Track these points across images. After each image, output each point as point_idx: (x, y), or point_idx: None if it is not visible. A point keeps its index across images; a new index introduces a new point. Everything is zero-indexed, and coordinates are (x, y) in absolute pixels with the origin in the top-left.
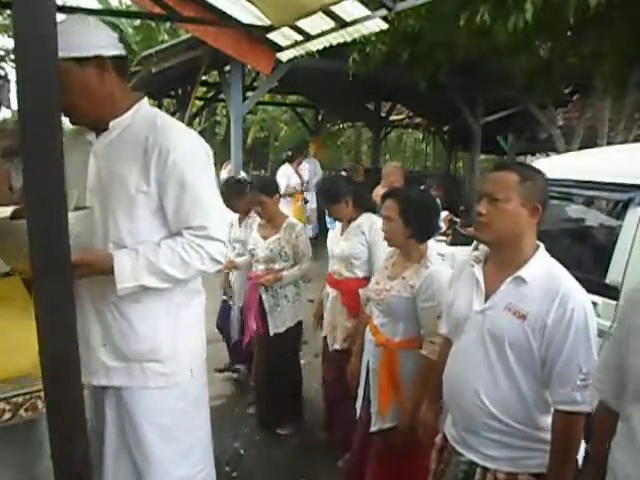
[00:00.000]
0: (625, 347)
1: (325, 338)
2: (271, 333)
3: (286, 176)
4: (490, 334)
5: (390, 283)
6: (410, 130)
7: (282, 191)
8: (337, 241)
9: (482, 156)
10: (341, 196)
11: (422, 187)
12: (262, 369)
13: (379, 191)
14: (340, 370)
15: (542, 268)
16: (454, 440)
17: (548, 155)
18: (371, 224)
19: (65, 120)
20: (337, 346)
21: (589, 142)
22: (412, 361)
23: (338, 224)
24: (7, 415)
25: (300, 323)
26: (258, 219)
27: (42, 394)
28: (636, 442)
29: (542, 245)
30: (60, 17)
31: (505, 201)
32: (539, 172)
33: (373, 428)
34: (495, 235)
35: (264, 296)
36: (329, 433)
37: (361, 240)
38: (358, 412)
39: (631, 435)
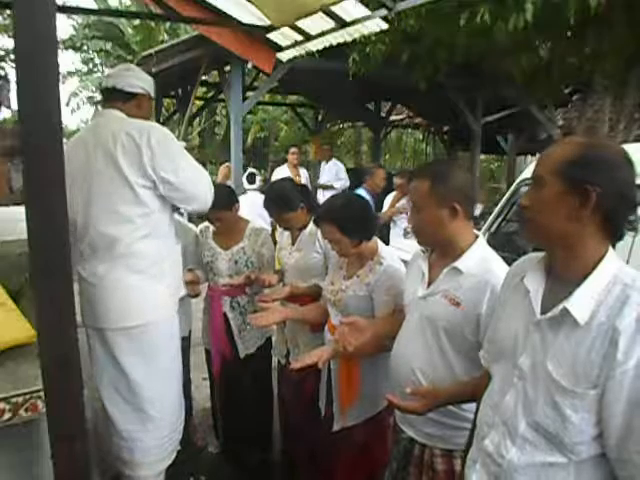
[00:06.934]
0: (495, 315)
1: (284, 356)
2: (241, 355)
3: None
4: (428, 319)
5: (345, 283)
6: (410, 130)
7: None
8: (288, 252)
9: (482, 156)
10: (296, 204)
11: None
12: (232, 397)
13: (395, 201)
14: (297, 388)
15: (478, 259)
16: (398, 418)
17: None
18: None
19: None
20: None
21: None
22: (370, 360)
23: (286, 233)
24: (7, 415)
25: (270, 339)
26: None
27: (42, 394)
28: (492, 396)
29: (480, 235)
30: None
31: (423, 209)
32: (454, 170)
33: (335, 428)
34: (426, 241)
35: (230, 314)
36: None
37: (316, 248)
38: (323, 411)
39: (491, 390)
